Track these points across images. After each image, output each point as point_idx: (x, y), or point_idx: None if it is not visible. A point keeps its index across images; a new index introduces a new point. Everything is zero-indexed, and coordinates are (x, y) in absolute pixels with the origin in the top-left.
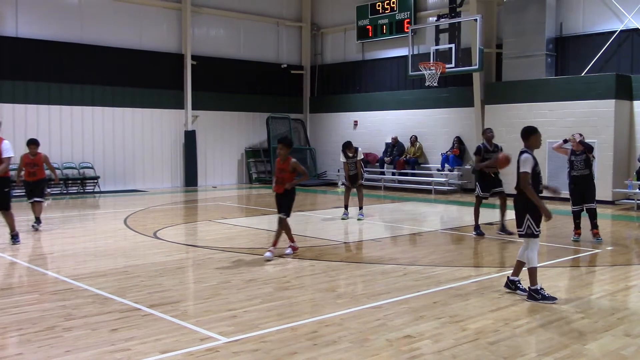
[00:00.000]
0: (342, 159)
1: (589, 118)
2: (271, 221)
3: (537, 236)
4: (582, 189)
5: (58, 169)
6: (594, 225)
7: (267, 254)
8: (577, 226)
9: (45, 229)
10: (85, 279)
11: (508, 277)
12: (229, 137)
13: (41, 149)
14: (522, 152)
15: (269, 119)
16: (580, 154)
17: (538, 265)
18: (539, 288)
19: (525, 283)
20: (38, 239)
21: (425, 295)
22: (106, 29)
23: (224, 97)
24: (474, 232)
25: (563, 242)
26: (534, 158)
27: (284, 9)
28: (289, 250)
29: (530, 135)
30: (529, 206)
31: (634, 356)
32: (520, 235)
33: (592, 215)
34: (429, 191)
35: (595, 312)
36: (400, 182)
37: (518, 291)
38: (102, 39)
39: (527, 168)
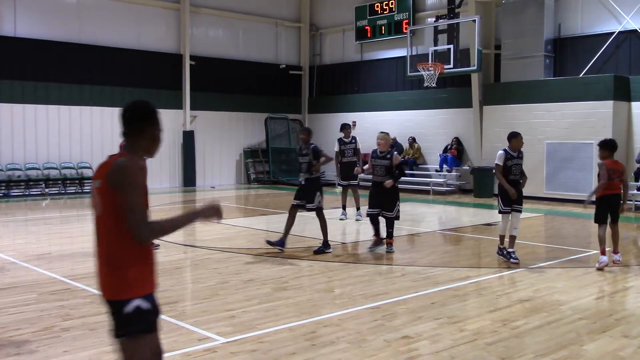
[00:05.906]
0: (336, 148)
1: (587, 119)
2: (270, 221)
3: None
4: (379, 195)
5: (56, 168)
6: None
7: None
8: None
9: (45, 229)
10: (84, 279)
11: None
12: (227, 137)
13: (40, 149)
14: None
15: (267, 120)
16: (383, 159)
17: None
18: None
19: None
20: (37, 239)
21: (423, 296)
22: (104, 29)
23: (222, 98)
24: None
25: (561, 243)
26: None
27: (282, 9)
28: (617, 257)
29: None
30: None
31: (631, 357)
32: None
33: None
34: (427, 192)
35: (593, 313)
36: (398, 182)
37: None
38: (101, 39)
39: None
